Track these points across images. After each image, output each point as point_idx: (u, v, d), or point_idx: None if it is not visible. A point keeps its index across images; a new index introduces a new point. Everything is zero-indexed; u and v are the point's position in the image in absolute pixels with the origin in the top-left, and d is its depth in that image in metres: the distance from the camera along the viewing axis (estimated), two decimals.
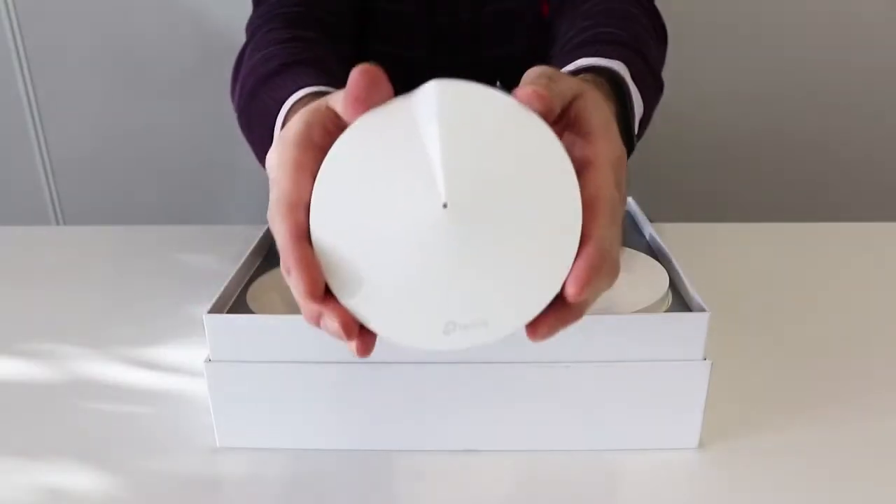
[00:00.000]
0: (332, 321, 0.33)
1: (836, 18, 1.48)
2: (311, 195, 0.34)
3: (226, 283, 0.49)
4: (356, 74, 0.33)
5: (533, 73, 0.36)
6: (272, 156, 0.36)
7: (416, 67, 0.78)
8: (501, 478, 0.45)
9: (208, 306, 0.45)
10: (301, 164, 0.34)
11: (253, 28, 0.68)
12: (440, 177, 0.31)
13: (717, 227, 0.82)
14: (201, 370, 0.45)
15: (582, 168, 0.34)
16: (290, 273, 0.33)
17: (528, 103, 0.33)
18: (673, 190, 1.59)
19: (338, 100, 0.35)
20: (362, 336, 0.34)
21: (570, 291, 0.32)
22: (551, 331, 0.33)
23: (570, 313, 0.33)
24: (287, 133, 0.36)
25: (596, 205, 0.33)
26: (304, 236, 0.33)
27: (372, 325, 0.33)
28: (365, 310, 0.33)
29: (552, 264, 0.32)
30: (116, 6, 1.47)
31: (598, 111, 0.37)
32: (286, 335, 0.44)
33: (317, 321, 0.34)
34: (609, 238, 0.33)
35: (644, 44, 0.61)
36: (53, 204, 1.66)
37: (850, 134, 1.58)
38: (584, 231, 0.32)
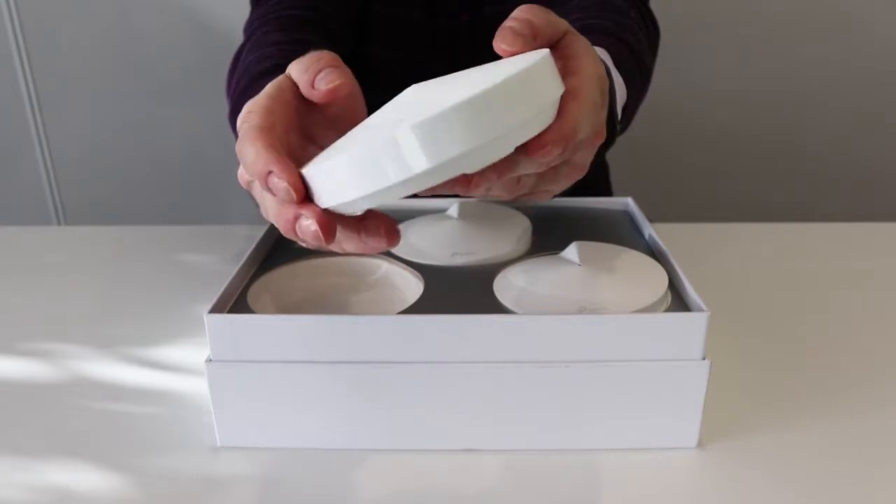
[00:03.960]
0: (308, 220, 0.34)
1: (837, 18, 1.48)
2: (283, 127, 0.37)
3: (226, 283, 0.49)
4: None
5: (524, 7, 0.40)
6: (244, 108, 0.38)
7: (417, 71, 0.78)
8: (500, 477, 0.45)
9: (209, 306, 0.45)
10: (271, 108, 0.37)
11: (251, 30, 0.69)
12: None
13: (716, 227, 0.82)
14: (202, 370, 0.45)
15: (568, 75, 0.39)
16: (267, 178, 0.34)
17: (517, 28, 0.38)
18: (673, 190, 1.59)
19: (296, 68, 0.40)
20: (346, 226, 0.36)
21: (533, 149, 0.36)
22: (490, 177, 0.36)
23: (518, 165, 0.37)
24: (261, 93, 0.39)
25: (578, 93, 0.38)
26: (280, 149, 0.35)
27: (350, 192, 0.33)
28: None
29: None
30: (118, 7, 1.48)
31: (582, 42, 0.41)
32: (286, 335, 0.44)
33: (293, 226, 0.35)
34: (581, 121, 0.37)
35: (630, 34, 0.62)
36: (55, 204, 1.66)
37: (850, 134, 1.58)
38: (563, 107, 0.37)
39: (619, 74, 0.54)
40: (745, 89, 1.54)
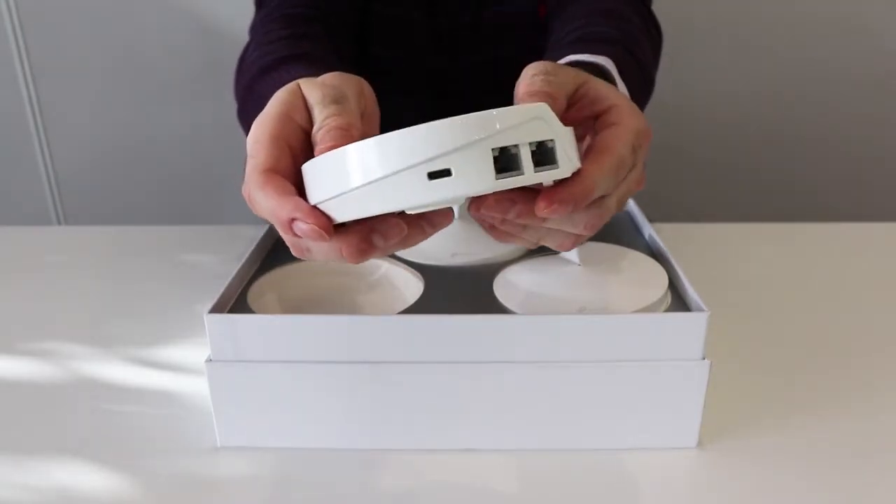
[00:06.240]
0: (305, 224, 0.34)
1: (837, 18, 1.48)
2: (286, 166, 0.36)
3: (227, 283, 0.49)
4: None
5: (531, 70, 0.37)
6: (251, 133, 0.37)
7: (417, 71, 0.78)
8: (501, 478, 0.45)
9: (209, 306, 0.45)
10: (278, 135, 0.36)
11: (254, 31, 0.69)
12: None
13: (716, 227, 0.82)
14: (202, 370, 0.45)
15: (606, 128, 0.38)
16: (292, 224, 0.34)
17: (530, 100, 0.35)
18: (673, 190, 1.59)
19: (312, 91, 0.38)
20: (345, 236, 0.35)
21: (540, 205, 0.35)
22: (501, 209, 0.36)
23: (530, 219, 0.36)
24: (266, 111, 0.37)
25: (604, 152, 0.36)
26: (291, 189, 0.35)
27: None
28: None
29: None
30: (119, 10, 1.48)
31: (611, 90, 0.40)
32: (286, 335, 0.44)
33: (289, 225, 0.34)
34: (599, 182, 0.36)
35: (634, 43, 0.62)
36: (55, 204, 1.66)
37: (850, 134, 1.57)
38: (583, 168, 0.35)
39: (623, 85, 0.54)
40: (745, 90, 1.54)
